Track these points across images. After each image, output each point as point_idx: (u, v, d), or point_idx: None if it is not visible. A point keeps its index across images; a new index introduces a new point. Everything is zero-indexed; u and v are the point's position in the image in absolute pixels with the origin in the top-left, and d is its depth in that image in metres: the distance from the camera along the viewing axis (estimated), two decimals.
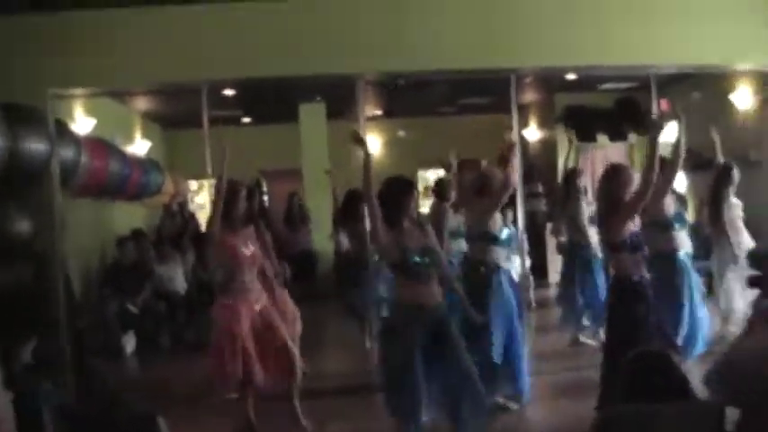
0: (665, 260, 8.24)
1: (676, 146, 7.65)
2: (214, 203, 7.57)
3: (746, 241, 10.03)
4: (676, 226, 8.60)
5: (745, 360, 3.70)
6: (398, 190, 6.71)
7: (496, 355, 7.83)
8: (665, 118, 8.20)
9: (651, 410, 3.59)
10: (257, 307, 7.73)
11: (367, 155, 6.76)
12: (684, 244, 8.50)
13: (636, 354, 3.91)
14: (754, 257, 7.34)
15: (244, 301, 7.63)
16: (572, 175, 11.00)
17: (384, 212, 6.57)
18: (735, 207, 10.11)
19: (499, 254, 8.16)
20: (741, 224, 10.06)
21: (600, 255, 10.13)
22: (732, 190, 10.01)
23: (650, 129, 7.05)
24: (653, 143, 6.83)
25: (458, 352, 6.59)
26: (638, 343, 5.13)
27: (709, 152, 10.32)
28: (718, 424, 3.64)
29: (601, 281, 10.18)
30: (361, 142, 6.97)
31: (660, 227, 8.28)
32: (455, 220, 9.56)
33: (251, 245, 7.83)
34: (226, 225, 7.60)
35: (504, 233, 8.24)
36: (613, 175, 6.93)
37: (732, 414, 3.71)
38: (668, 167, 7.77)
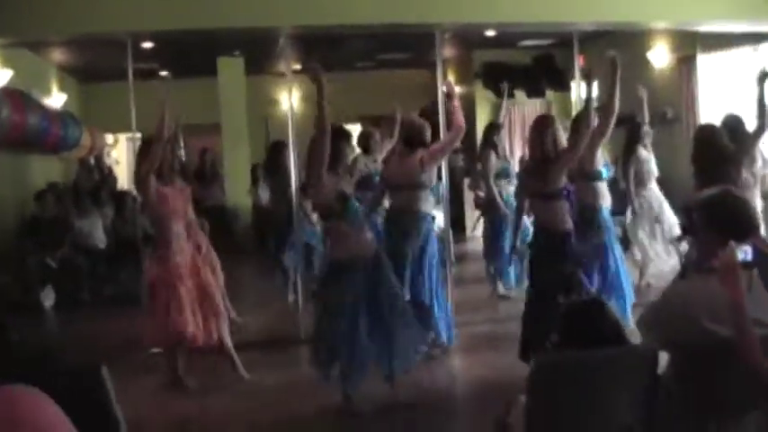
0: (591, 212, 8.39)
1: (610, 97, 7.77)
2: (151, 156, 7.45)
3: (654, 196, 10.31)
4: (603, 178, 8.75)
5: (675, 304, 3.82)
6: (337, 137, 6.72)
7: (428, 297, 8.00)
8: (592, 74, 8.29)
9: (586, 356, 3.68)
10: (188, 258, 7.75)
11: (321, 90, 6.48)
12: (606, 198, 8.66)
13: (570, 302, 4.00)
14: (685, 209, 7.55)
15: (179, 252, 7.64)
16: (490, 130, 11.08)
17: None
18: (644, 162, 10.36)
19: (431, 202, 8.35)
20: (649, 179, 10.33)
21: (508, 211, 10.28)
22: (642, 146, 10.26)
23: (586, 83, 7.25)
24: (588, 99, 7.07)
25: (397, 296, 6.73)
26: (567, 292, 5.24)
27: (625, 109, 10.50)
28: (651, 368, 3.75)
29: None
30: (318, 80, 6.54)
31: (589, 179, 8.41)
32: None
33: (179, 197, 7.84)
34: (158, 177, 7.60)
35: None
36: (547, 126, 7.05)
37: (665, 358, 3.84)
38: (603, 120, 7.90)
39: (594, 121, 7.70)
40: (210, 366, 8.10)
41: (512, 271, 10.75)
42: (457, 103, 8.28)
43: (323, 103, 6.45)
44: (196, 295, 7.68)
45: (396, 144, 8.68)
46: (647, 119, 10.39)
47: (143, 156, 7.65)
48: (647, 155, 10.45)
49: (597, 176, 8.49)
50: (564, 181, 6.98)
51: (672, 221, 10.41)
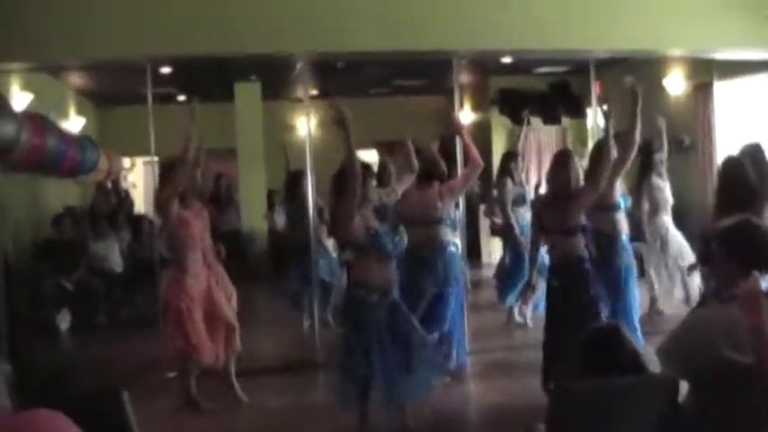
0: (608, 241, 8.37)
1: (631, 128, 7.78)
2: (174, 179, 7.48)
3: (664, 224, 10.30)
4: (621, 209, 8.74)
5: (695, 332, 3.81)
6: (363, 174, 6.65)
7: (445, 326, 8.02)
8: (609, 105, 8.31)
9: (606, 385, 3.68)
10: (204, 283, 7.76)
11: (347, 129, 6.37)
12: (624, 226, 8.64)
13: (589, 331, 4.00)
14: (703, 238, 7.53)
15: (194, 276, 7.67)
16: (507, 158, 11.11)
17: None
18: (657, 191, 10.35)
19: (450, 233, 8.40)
20: (663, 207, 10.32)
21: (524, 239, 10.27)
22: (656, 174, 10.25)
23: (605, 118, 7.26)
24: (606, 132, 7.09)
25: (415, 327, 6.73)
26: (586, 322, 5.23)
27: (641, 136, 10.51)
28: (671, 396, 3.75)
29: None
30: (341, 121, 6.45)
31: (608, 210, 8.40)
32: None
33: (198, 220, 7.86)
34: (180, 201, 7.65)
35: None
36: (570, 162, 7.08)
37: (685, 387, 3.83)
38: (624, 153, 7.92)
39: (613, 151, 7.72)
40: (225, 389, 8.10)
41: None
42: (468, 139, 8.32)
43: (350, 141, 6.35)
44: (209, 320, 7.70)
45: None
46: (665, 148, 10.38)
47: (165, 178, 7.70)
48: (661, 183, 10.45)
49: (616, 208, 8.49)
50: (583, 216, 6.99)
51: (682, 251, 10.39)
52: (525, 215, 10.69)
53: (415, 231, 8.17)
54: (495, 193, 11.30)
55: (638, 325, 8.44)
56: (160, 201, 7.74)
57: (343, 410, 6.85)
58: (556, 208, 7.03)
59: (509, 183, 10.71)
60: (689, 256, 10.25)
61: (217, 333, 7.75)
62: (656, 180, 10.40)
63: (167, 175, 7.66)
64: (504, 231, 11.03)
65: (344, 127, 6.35)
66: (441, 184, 8.26)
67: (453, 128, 8.86)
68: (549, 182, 7.27)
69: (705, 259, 6.89)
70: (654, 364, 3.89)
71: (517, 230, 10.55)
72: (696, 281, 9.96)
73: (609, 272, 8.08)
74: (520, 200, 10.82)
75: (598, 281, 7.12)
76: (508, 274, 10.83)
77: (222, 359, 7.86)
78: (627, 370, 3.72)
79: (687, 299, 10.08)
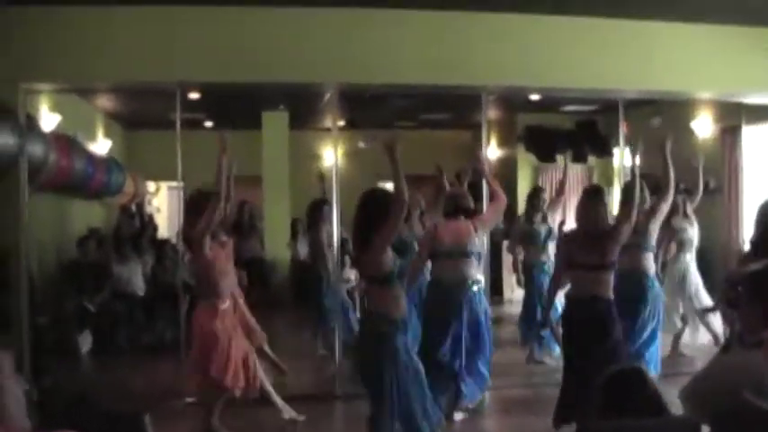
0: (639, 277, 8.37)
1: (665, 176, 7.82)
2: (209, 215, 7.41)
3: (682, 266, 10.29)
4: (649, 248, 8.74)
5: (718, 377, 3.79)
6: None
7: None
8: (636, 145, 8.32)
9: (627, 426, 3.66)
10: (231, 312, 7.78)
11: (395, 163, 6.21)
12: (651, 265, 8.64)
13: (612, 371, 3.96)
14: (728, 281, 7.50)
15: (225, 305, 7.70)
16: (535, 194, 11.10)
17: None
18: (678, 231, 10.35)
19: (476, 267, 8.36)
20: (684, 247, 10.33)
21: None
22: (681, 214, 10.26)
23: (632, 155, 7.26)
24: (632, 171, 7.13)
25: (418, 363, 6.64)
26: (610, 361, 5.20)
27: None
28: None
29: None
30: (392, 152, 6.29)
31: (641, 249, 8.43)
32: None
33: (224, 252, 7.88)
34: (212, 236, 7.67)
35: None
36: (602, 197, 7.05)
37: (706, 430, 3.81)
38: (660, 201, 7.96)
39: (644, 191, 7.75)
40: (247, 416, 8.08)
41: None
42: (490, 176, 8.36)
43: (399, 171, 6.17)
44: (238, 347, 7.69)
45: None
46: (701, 188, 10.36)
47: (194, 211, 7.67)
48: (684, 224, 10.45)
49: (650, 249, 8.53)
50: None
51: (697, 292, 10.38)
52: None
53: (443, 264, 8.17)
54: (518, 229, 11.31)
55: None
56: (191, 235, 7.70)
57: None
58: (589, 245, 6.90)
59: (535, 220, 10.73)
60: (705, 299, 10.24)
61: (240, 362, 7.72)
62: (678, 221, 10.40)
63: (196, 208, 7.63)
64: (529, 268, 11.01)
65: (394, 159, 6.29)
66: (471, 218, 8.26)
67: (476, 164, 8.88)
68: (579, 218, 7.15)
69: (731, 303, 6.85)
70: (675, 407, 3.87)
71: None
72: (718, 323, 9.98)
73: (634, 311, 8.07)
74: (549, 237, 10.78)
75: (623, 320, 7.09)
76: (533, 313, 10.74)
77: (256, 382, 7.83)
78: (648, 412, 3.69)
79: (715, 340, 10.11)
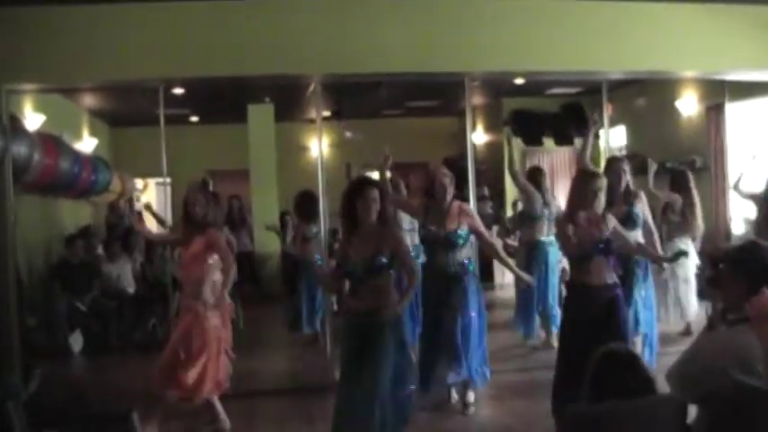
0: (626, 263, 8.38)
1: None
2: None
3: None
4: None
5: (703, 357, 3.79)
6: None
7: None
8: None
9: (616, 407, 3.65)
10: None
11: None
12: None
13: (603, 352, 3.94)
14: (711, 259, 7.54)
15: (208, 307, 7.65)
16: (535, 174, 10.93)
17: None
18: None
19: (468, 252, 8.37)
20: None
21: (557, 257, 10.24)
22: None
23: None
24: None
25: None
26: (602, 342, 5.16)
27: (652, 156, 10.53)
28: (681, 418, 3.73)
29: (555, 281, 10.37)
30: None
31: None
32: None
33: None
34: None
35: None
36: (598, 180, 6.88)
37: (694, 409, 3.82)
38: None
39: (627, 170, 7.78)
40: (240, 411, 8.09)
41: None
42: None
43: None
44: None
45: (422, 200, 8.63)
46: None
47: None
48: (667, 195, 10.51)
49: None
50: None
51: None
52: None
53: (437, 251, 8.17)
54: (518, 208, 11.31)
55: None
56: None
57: None
58: (585, 225, 6.73)
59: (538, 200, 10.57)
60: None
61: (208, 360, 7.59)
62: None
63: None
64: (529, 249, 10.89)
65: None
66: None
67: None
68: (572, 199, 7.03)
69: (713, 281, 6.84)
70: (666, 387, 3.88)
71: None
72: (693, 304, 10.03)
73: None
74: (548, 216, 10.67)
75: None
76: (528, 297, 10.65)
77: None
78: (639, 393, 3.69)
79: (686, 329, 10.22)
